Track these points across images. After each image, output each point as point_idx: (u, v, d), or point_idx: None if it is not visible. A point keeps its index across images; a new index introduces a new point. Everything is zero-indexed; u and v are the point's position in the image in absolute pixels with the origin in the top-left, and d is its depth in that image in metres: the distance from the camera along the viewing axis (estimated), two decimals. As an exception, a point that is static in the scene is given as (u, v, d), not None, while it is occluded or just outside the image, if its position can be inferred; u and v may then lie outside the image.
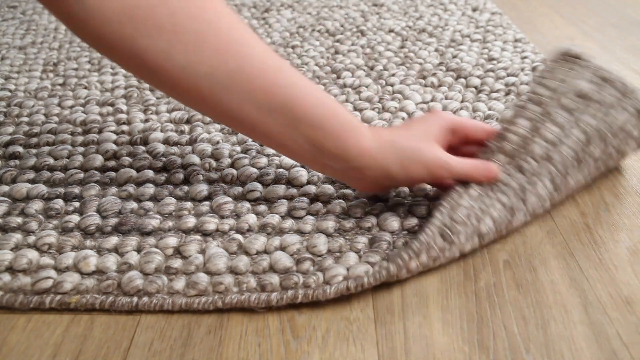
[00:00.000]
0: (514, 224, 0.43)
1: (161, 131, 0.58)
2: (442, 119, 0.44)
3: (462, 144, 0.46)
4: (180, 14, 0.36)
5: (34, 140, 0.57)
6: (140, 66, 0.38)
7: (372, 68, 0.73)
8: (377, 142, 0.41)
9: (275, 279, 0.39)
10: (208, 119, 0.60)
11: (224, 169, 0.51)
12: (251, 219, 0.45)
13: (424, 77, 0.69)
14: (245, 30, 0.39)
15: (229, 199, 0.47)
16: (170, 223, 0.45)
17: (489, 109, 0.62)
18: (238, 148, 0.55)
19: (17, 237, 0.44)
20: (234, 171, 0.51)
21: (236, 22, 0.39)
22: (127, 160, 0.53)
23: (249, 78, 0.38)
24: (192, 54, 0.36)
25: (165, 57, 0.36)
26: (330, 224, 0.45)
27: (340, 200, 0.47)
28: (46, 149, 0.55)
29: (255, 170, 0.51)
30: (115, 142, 0.56)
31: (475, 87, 0.67)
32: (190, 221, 0.45)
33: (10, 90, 0.68)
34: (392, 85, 0.68)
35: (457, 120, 0.45)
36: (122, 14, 0.35)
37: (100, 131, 0.58)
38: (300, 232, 0.44)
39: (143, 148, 0.55)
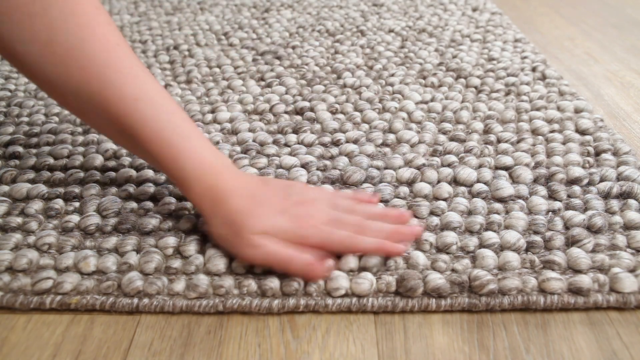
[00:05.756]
0: None
1: (161, 131, 0.58)
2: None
3: None
4: (56, 26, 0.37)
5: (34, 140, 0.57)
6: (20, 68, 0.40)
7: (371, 68, 0.72)
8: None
9: (275, 283, 0.39)
10: (208, 119, 0.60)
11: (224, 169, 0.51)
12: (251, 219, 0.45)
13: (424, 77, 0.69)
14: (115, 54, 0.39)
15: (229, 199, 0.47)
16: (170, 223, 0.45)
17: (489, 109, 0.62)
18: (238, 148, 0.55)
19: (17, 237, 0.44)
20: (234, 171, 0.51)
21: (110, 44, 0.39)
22: (127, 160, 0.53)
23: (107, 104, 0.39)
24: (60, 67, 0.38)
25: (37, 65, 0.38)
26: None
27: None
28: (46, 148, 0.55)
29: (255, 170, 0.51)
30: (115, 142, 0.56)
31: (475, 87, 0.67)
32: (190, 221, 0.45)
33: (10, 90, 0.68)
34: (392, 85, 0.68)
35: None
36: (5, 13, 0.36)
37: (100, 131, 0.58)
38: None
39: (143, 148, 0.55)
